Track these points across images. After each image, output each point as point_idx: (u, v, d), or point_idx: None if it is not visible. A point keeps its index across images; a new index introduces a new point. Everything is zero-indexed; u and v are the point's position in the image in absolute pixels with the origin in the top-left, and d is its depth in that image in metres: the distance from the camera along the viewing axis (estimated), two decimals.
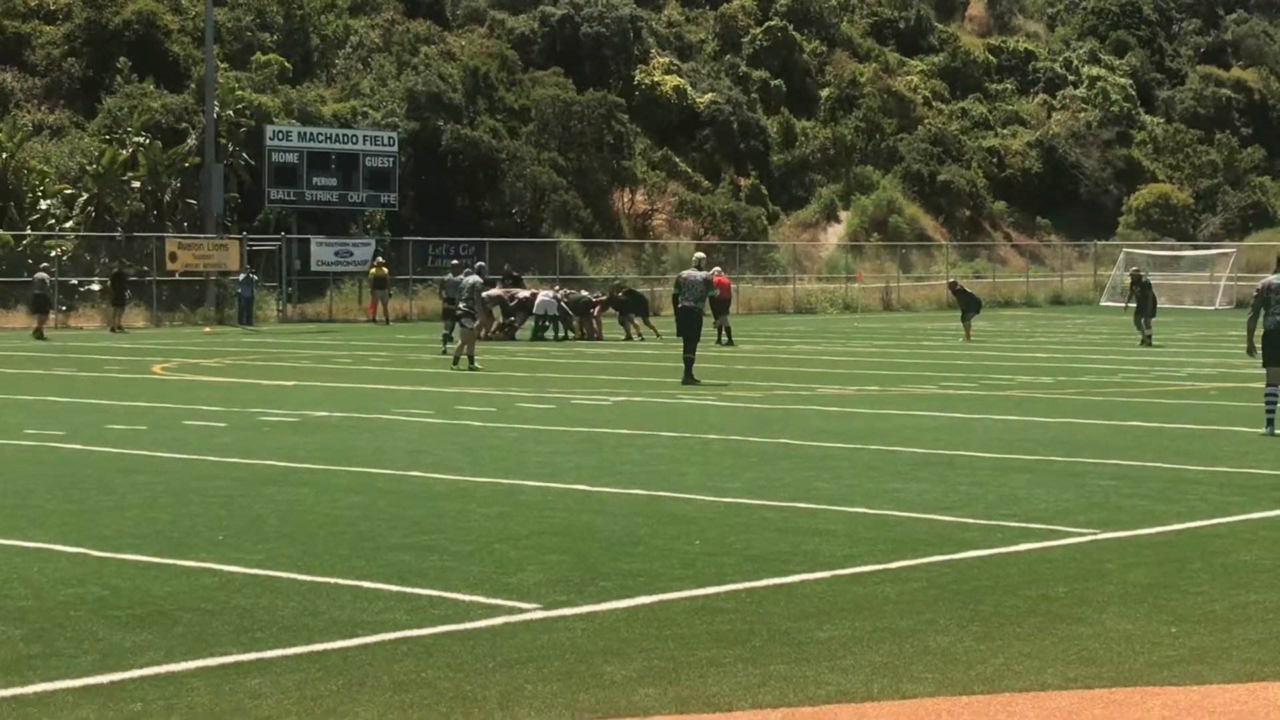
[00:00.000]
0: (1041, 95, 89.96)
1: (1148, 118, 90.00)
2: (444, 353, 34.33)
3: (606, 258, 64.54)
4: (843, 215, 77.70)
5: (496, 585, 9.71)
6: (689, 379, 26.46)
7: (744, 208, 72.59)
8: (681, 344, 27.34)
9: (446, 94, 63.67)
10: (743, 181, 74.86)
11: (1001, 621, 8.86)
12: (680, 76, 76.72)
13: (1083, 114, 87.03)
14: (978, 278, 74.63)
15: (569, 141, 66.63)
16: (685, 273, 28.56)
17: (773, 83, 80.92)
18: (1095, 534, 11.72)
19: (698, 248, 67.77)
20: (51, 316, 45.84)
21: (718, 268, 42.79)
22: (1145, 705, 7.21)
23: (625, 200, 70.94)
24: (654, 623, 8.78)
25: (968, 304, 42.15)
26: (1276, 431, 18.70)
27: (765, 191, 75.24)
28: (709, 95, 76.21)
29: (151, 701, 7.19)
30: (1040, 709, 7.13)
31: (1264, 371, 19.31)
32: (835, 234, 76.51)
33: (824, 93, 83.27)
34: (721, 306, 38.90)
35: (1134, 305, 40.37)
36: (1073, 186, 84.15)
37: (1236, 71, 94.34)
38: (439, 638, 8.39)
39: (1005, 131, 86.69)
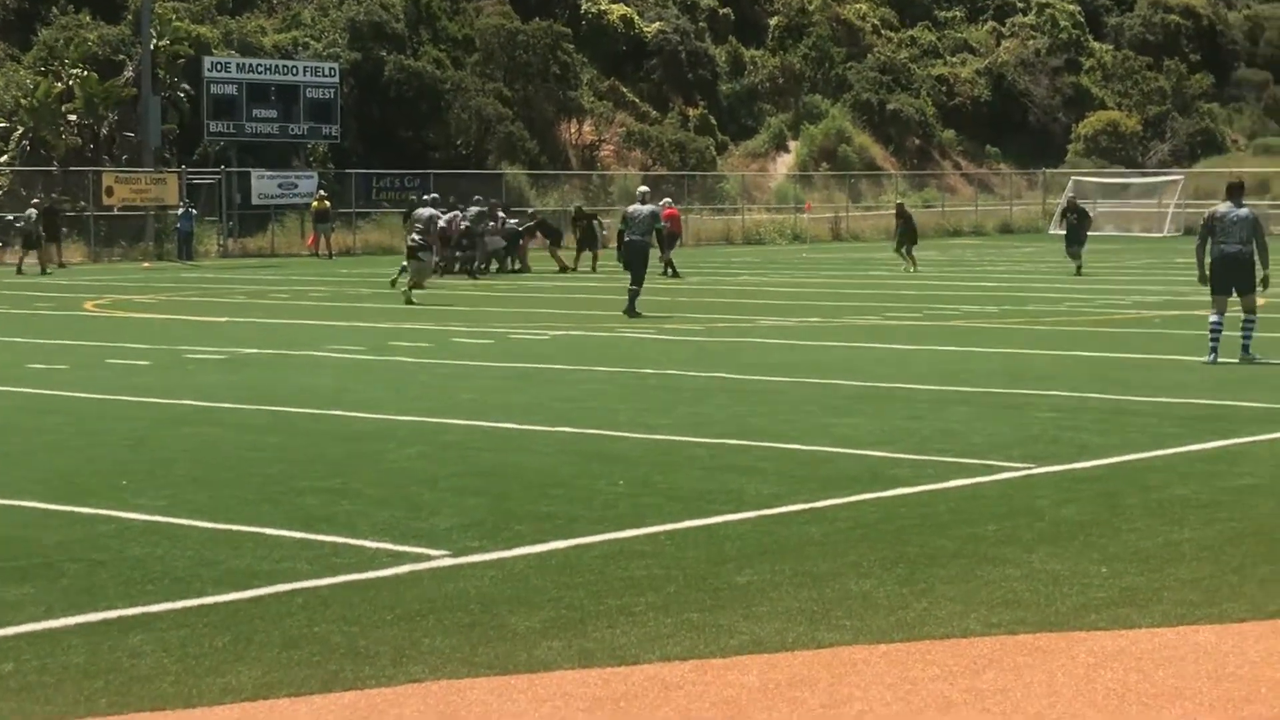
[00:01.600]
0: (990, 23, 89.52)
1: (1096, 44, 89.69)
2: (392, 285, 33.75)
3: (553, 189, 63.91)
4: (792, 145, 77.27)
5: (406, 531, 9.34)
6: (632, 312, 26.08)
7: (692, 138, 72.03)
8: (629, 277, 26.96)
9: (389, 24, 62.81)
10: (691, 112, 74.30)
11: (927, 563, 8.54)
12: (627, 5, 75.94)
13: (1032, 41, 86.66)
14: (927, 207, 74.41)
15: (514, 72, 65.88)
16: (630, 207, 28.28)
17: (721, 11, 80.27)
18: (1029, 468, 11.43)
19: (644, 179, 67.38)
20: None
21: (668, 199, 42.31)
22: (1070, 652, 6.90)
23: (572, 131, 70.29)
24: (566, 569, 8.43)
25: (909, 232, 41.26)
26: (1219, 360, 18.48)
27: (714, 121, 74.70)
28: (656, 24, 75.50)
29: (25, 660, 6.79)
30: (960, 657, 6.81)
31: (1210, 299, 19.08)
32: (784, 164, 76.08)
33: (773, 21, 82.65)
34: (670, 240, 38.30)
35: (1064, 232, 39.98)
36: (1022, 115, 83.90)
37: None
38: (338, 588, 8.01)
39: (954, 60, 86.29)
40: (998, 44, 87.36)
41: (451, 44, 65.59)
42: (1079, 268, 38.04)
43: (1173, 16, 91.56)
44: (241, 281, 38.76)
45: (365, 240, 55.26)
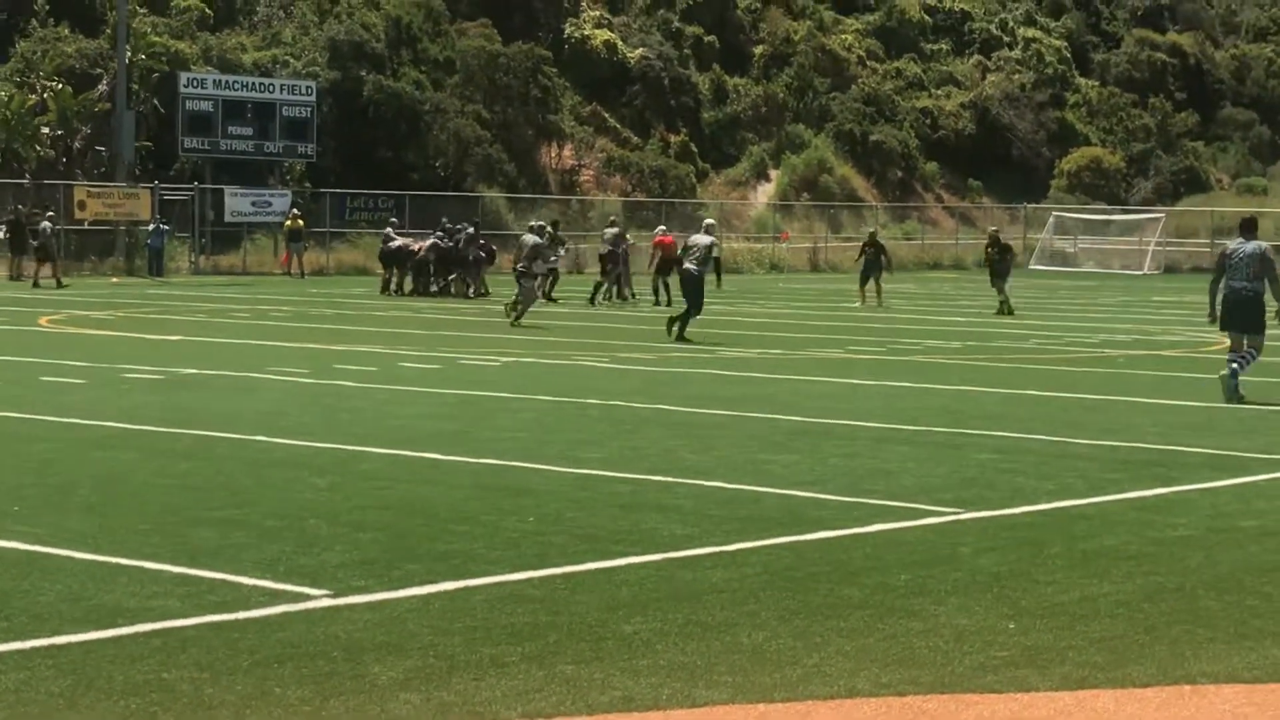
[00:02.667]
0: (976, 56, 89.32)
1: (1082, 80, 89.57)
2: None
3: (531, 213, 63.50)
4: (773, 174, 76.98)
5: (291, 568, 8.93)
6: (680, 337, 26.32)
7: (673, 165, 71.70)
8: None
9: (369, 44, 62.47)
10: (672, 138, 73.99)
11: (828, 614, 8.16)
12: (611, 31, 75.69)
13: (1017, 76, 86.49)
14: (908, 239, 74.20)
15: (494, 94, 65.57)
16: (692, 236, 28.51)
17: (705, 39, 79.98)
18: (958, 513, 11.05)
19: (625, 205, 67.34)
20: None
21: (662, 227, 41.74)
22: (957, 717, 6.51)
23: (552, 155, 69.97)
24: (448, 614, 8.02)
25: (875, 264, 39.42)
26: (1243, 393, 18.21)
27: (695, 149, 74.37)
28: (640, 50, 75.22)
29: None
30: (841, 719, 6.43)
31: (1186, 339, 18.76)
32: (765, 193, 75.79)
33: (757, 50, 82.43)
34: (665, 267, 37.38)
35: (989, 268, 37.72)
36: (1005, 149, 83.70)
37: (1172, 35, 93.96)
38: (203, 629, 7.61)
39: (939, 92, 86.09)
40: (983, 78, 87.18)
41: (432, 65, 65.23)
42: (1004, 304, 36.03)
43: (1159, 54, 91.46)
44: (207, 299, 38.34)
45: (339, 260, 54.89)
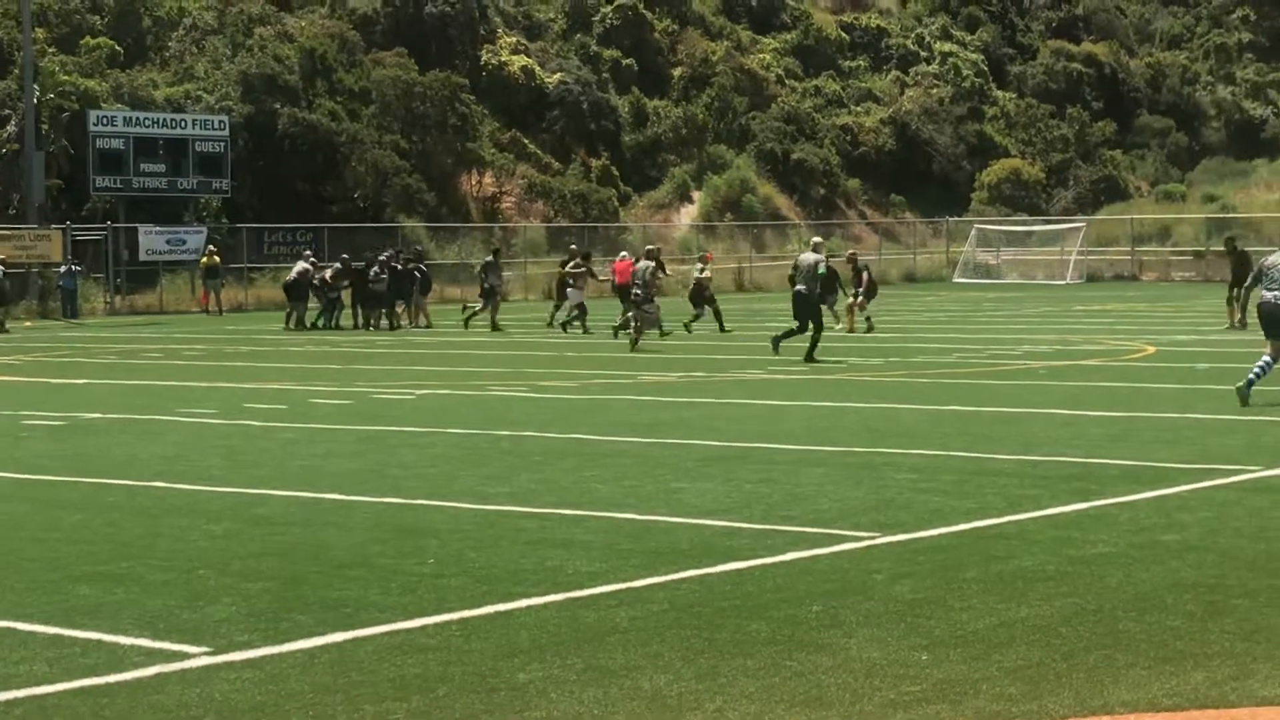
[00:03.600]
0: (894, 72, 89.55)
1: (1000, 93, 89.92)
2: (615, 334, 33.86)
3: (453, 242, 63.15)
4: (695, 195, 76.79)
5: (173, 624, 8.50)
6: (810, 358, 26.54)
7: (595, 189, 71.41)
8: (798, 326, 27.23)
9: (282, 76, 61.86)
10: (594, 163, 73.70)
11: (735, 652, 7.80)
12: (528, 56, 75.37)
13: (935, 90, 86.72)
14: (832, 257, 73.94)
15: (412, 124, 65.08)
16: (800, 256, 28.42)
17: (624, 62, 79.77)
18: (874, 538, 10.72)
19: (549, 230, 66.97)
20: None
21: (624, 252, 41.16)
22: None
23: (473, 183, 69.53)
24: (334, 668, 7.61)
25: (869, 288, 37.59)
26: (1249, 394, 18.46)
27: (616, 172, 74.11)
28: (558, 75, 74.92)
29: None
30: None
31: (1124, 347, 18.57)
32: (688, 215, 75.58)
33: (676, 72, 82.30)
34: (623, 293, 36.66)
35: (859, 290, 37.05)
36: (926, 163, 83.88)
37: (1088, 46, 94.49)
38: (69, 696, 7.16)
39: (859, 109, 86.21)
40: (901, 93, 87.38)
41: (347, 96, 64.72)
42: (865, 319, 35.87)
43: (1075, 64, 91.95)
44: (120, 340, 37.68)
45: (258, 296, 54.21)
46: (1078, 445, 15.41)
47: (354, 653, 7.90)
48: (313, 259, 42.81)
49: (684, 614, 8.65)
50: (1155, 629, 8.11)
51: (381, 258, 40.67)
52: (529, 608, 8.84)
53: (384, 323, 40.32)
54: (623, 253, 41.65)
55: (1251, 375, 18.76)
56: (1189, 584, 9.15)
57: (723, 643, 7.99)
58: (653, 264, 32.86)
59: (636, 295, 31.41)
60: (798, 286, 27.42)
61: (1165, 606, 8.60)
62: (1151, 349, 28.86)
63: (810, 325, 27.08)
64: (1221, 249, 65.36)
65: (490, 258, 42.33)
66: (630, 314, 32.63)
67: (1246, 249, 38.07)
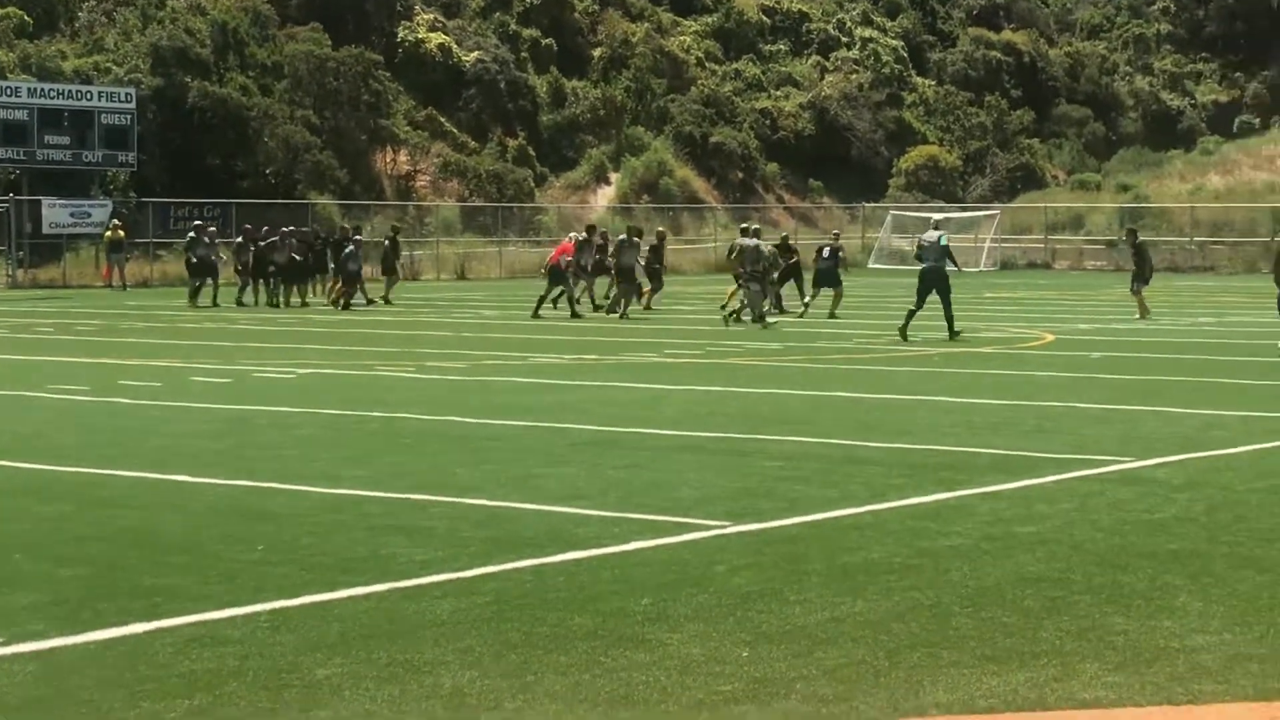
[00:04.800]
0: (815, 57, 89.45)
1: (919, 80, 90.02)
2: (725, 321, 32.52)
3: (365, 220, 62.46)
4: (613, 177, 76.44)
5: None
6: (953, 334, 27.80)
7: (511, 169, 70.93)
8: (920, 299, 27.94)
9: (193, 49, 61.00)
10: (510, 142, 73.19)
11: (551, 647, 7.48)
12: (446, 34, 74.72)
13: (855, 76, 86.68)
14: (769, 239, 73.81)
15: (325, 100, 64.36)
16: (922, 235, 29.18)
17: (543, 41, 79.27)
18: (725, 527, 10.43)
19: (463, 210, 66.43)
20: None
21: (573, 234, 40.61)
22: None
23: (387, 161, 68.87)
24: (126, 661, 7.23)
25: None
26: None
27: (533, 152, 73.66)
28: (475, 53, 74.34)
29: None
30: None
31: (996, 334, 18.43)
32: (605, 196, 75.20)
33: (595, 52, 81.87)
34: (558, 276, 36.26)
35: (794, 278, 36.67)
36: (845, 148, 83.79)
37: (1007, 34, 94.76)
38: None
39: (778, 93, 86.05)
40: (821, 78, 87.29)
41: (260, 71, 63.93)
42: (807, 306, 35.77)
43: (994, 53, 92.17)
44: (16, 314, 36.96)
45: (164, 271, 53.39)
46: (954, 434, 15.20)
47: (150, 645, 7.52)
48: (203, 228, 41.90)
49: (509, 606, 8.32)
50: (988, 626, 7.85)
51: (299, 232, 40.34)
52: (349, 598, 8.49)
53: (295, 299, 39.99)
54: (571, 233, 41.27)
55: None
56: (1033, 578, 8.91)
57: (541, 637, 7.68)
58: (758, 242, 32.39)
59: (742, 272, 31.86)
60: (926, 264, 28.16)
61: (1004, 602, 8.36)
62: (1051, 337, 28.79)
63: (945, 295, 27.92)
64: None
65: (391, 234, 42.27)
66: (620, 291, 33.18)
67: (1146, 241, 38.13)
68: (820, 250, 36.81)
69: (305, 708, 6.55)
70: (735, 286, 33.27)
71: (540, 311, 35.03)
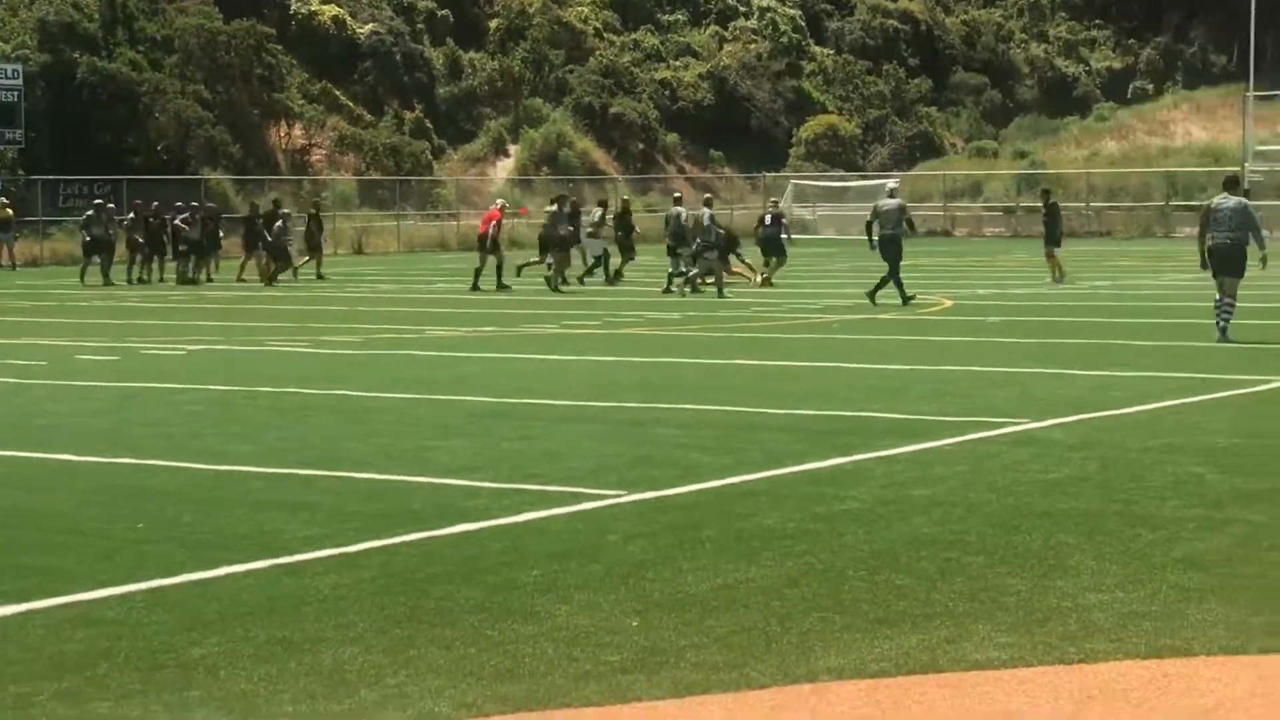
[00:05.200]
0: (713, 27, 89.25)
1: (817, 49, 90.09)
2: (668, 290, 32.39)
3: (260, 195, 61.67)
4: (512, 149, 76.01)
5: None
6: (905, 300, 27.35)
7: (408, 142, 70.31)
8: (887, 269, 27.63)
9: (81, 24, 59.91)
10: (407, 115, 72.57)
11: (436, 621, 7.29)
12: (339, 6, 73.90)
13: (753, 45, 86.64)
14: (650, 211, 73.89)
15: (216, 74, 63.46)
16: (881, 202, 28.80)
17: (439, 13, 78.60)
18: (619, 496, 10.28)
19: (360, 184, 65.80)
20: None
21: (500, 199, 40.44)
22: None
23: (281, 135, 68.08)
24: None
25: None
26: (1231, 339, 19.66)
27: (430, 125, 73.07)
28: (370, 26, 73.60)
29: None
30: None
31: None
32: (504, 168, 74.79)
33: (492, 24, 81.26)
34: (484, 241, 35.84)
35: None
36: (744, 118, 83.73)
37: (904, 3, 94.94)
38: None
39: (677, 64, 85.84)
40: (720, 48, 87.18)
41: (149, 45, 62.91)
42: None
43: (891, 21, 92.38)
44: None
45: (54, 250, 52.49)
46: (852, 399, 15.13)
47: (22, 627, 7.27)
48: (103, 206, 41.27)
49: (394, 580, 8.13)
50: (881, 589, 7.75)
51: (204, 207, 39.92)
52: (229, 575, 8.26)
53: (201, 275, 39.62)
54: (499, 200, 41.02)
55: (1221, 324, 19.93)
56: (928, 541, 8.81)
57: (426, 611, 7.49)
58: (709, 211, 32.73)
59: (700, 243, 31.77)
60: (883, 232, 27.92)
61: (898, 565, 8.26)
62: (949, 303, 28.85)
63: (896, 264, 27.71)
64: (1032, 205, 66.18)
65: (273, 206, 41.86)
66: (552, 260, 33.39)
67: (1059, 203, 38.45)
68: (762, 218, 36.92)
69: (178, 688, 6.33)
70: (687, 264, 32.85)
71: (479, 285, 34.49)
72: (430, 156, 71.03)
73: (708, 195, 36.64)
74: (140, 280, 39.50)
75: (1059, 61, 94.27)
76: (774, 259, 35.56)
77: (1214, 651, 6.63)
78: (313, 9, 72.15)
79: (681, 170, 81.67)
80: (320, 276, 40.00)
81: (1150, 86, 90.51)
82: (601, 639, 6.96)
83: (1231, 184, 20.86)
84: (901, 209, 28.52)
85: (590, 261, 37.34)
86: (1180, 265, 42.21)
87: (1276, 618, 7.12)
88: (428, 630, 7.15)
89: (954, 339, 21.73)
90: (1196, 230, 21.35)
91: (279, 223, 38.80)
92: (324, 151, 68.96)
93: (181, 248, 39.75)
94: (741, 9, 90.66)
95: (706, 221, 32.21)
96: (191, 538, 9.20)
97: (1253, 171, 56.67)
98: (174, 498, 10.44)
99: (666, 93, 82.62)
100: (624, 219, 39.74)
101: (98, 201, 42.58)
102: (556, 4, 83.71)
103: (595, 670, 6.50)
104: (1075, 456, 11.53)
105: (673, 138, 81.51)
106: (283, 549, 8.83)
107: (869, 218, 29.10)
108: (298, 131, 68.24)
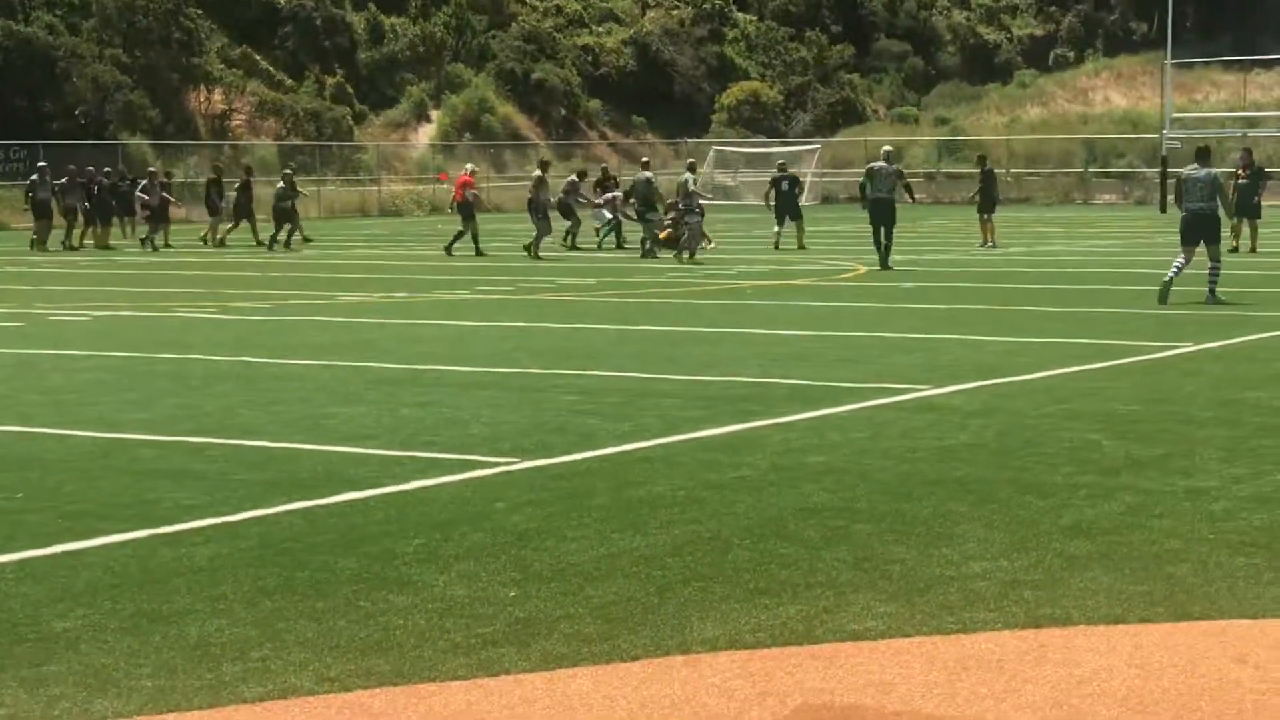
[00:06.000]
0: None
1: (740, 15, 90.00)
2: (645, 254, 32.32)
3: (179, 160, 61.06)
4: (434, 115, 75.54)
5: None
6: (885, 265, 27.47)
7: (329, 107, 69.80)
8: (876, 232, 27.77)
9: None
10: (328, 80, 71.97)
11: (310, 592, 7.15)
12: None
13: (676, 11, 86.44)
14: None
15: (134, 38, 62.68)
16: (875, 164, 28.54)
17: None
18: (512, 464, 10.15)
19: (281, 150, 65.18)
20: None
21: (470, 165, 40.20)
22: (403, 715, 5.57)
23: (201, 100, 67.36)
24: None
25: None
26: (1221, 300, 20.56)
27: (351, 90, 72.50)
28: None
29: None
30: None
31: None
32: (426, 134, 74.31)
33: None
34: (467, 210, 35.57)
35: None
36: (667, 85, 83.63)
37: None
38: None
39: (600, 29, 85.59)
40: (643, 14, 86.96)
41: (66, 9, 62.10)
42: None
43: None
44: None
45: None
46: (757, 365, 15.05)
47: None
48: (45, 169, 40.78)
49: (272, 550, 7.97)
50: (765, 558, 7.66)
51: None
52: (104, 546, 8.09)
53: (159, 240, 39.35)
54: (469, 165, 40.76)
55: (1210, 286, 20.70)
56: (817, 509, 8.74)
57: (300, 582, 7.34)
58: (691, 175, 32.75)
59: (681, 206, 31.66)
60: (876, 195, 27.89)
61: (784, 533, 8.17)
62: (863, 269, 28.84)
63: (890, 228, 27.80)
64: (953, 170, 66.38)
65: (213, 175, 41.62)
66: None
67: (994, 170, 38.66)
68: (779, 182, 36.63)
69: (36, 662, 6.16)
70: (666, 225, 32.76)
71: (454, 248, 34.42)
72: (351, 122, 70.53)
73: (644, 160, 36.23)
74: (73, 247, 39.02)
75: (981, 29, 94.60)
76: (794, 223, 35.33)
77: (1093, 621, 6.58)
78: None
79: (604, 136, 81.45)
80: (260, 243, 39.51)
81: (1071, 54, 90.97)
82: (476, 610, 6.83)
83: (1203, 155, 21.41)
84: (898, 174, 28.61)
85: (603, 229, 37.25)
86: (1099, 231, 42.46)
87: (1158, 587, 7.08)
88: (300, 602, 7.01)
89: (866, 305, 21.71)
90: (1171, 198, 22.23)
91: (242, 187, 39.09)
92: (244, 117, 68.33)
93: (145, 214, 39.56)
94: None
95: (692, 187, 31.94)
96: (71, 507, 9.01)
97: (1170, 139, 56.96)
98: (58, 466, 10.24)
99: (589, 58, 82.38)
100: (605, 185, 39.55)
101: (41, 165, 41.87)
102: None
103: (466, 643, 6.37)
104: (973, 423, 11.48)
105: (595, 103, 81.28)
106: (163, 519, 8.66)
107: (862, 179, 29.18)
108: (217, 96, 67.58)
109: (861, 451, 10.44)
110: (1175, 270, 20.69)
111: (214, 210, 40.91)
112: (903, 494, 9.05)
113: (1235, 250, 31.05)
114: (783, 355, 15.91)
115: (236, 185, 41.99)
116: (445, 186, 65.21)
